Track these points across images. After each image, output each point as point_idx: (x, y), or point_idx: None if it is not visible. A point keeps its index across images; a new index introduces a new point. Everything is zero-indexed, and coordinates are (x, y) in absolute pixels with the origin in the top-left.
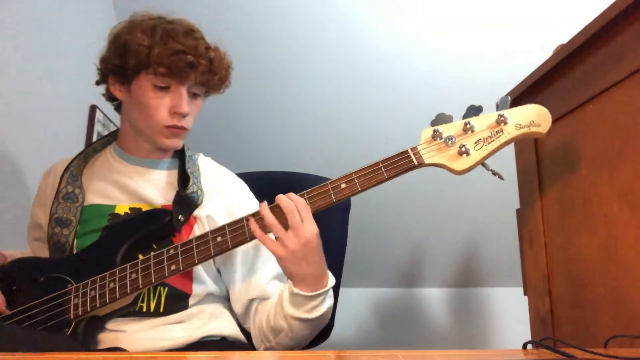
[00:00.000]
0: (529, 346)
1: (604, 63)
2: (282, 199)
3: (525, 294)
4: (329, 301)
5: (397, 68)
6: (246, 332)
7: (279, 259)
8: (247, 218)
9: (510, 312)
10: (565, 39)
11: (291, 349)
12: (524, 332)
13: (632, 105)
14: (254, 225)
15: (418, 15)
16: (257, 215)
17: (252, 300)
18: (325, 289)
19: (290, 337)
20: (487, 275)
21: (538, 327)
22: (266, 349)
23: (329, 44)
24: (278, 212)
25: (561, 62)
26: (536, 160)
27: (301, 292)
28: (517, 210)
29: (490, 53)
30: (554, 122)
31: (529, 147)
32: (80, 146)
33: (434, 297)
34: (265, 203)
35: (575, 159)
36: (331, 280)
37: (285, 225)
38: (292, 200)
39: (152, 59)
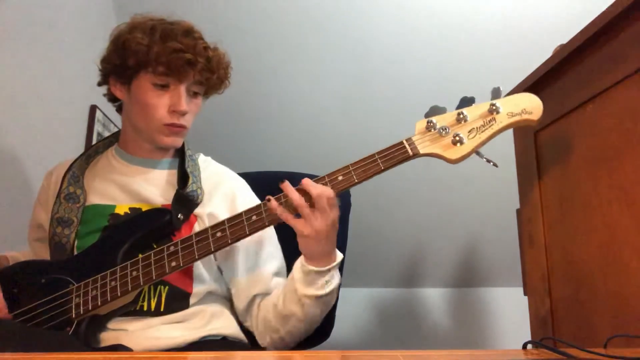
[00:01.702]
0: (529, 346)
1: (604, 63)
2: (310, 185)
3: (525, 294)
4: (338, 276)
5: (398, 67)
6: (246, 332)
7: (304, 237)
8: (268, 199)
9: (510, 312)
10: (565, 39)
11: (300, 337)
12: (524, 332)
13: (632, 105)
14: (275, 204)
15: (418, 13)
16: (277, 197)
17: (255, 297)
18: (337, 262)
19: (303, 320)
20: (487, 275)
21: (538, 327)
22: (273, 342)
23: (330, 43)
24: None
25: (561, 62)
26: (536, 160)
27: (315, 268)
28: (517, 210)
29: (492, 50)
30: (554, 121)
31: (529, 147)
32: (80, 146)
33: (434, 297)
34: (287, 182)
35: (575, 159)
36: (339, 255)
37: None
38: (316, 187)
39: (151, 58)
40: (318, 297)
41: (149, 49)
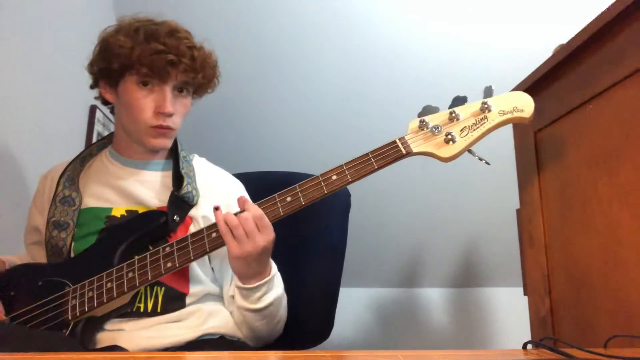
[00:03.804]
0: (529, 346)
1: (604, 63)
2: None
3: (525, 294)
4: (276, 290)
5: (398, 67)
6: None
7: (233, 257)
8: (215, 207)
9: (510, 312)
10: (565, 39)
11: (256, 341)
12: (524, 332)
13: (632, 105)
14: (220, 215)
15: (419, 13)
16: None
17: (231, 297)
18: (267, 278)
19: (249, 328)
20: (487, 275)
21: (538, 327)
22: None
23: (329, 43)
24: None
25: (561, 62)
26: (536, 160)
27: (245, 286)
28: (517, 210)
29: (491, 52)
30: (554, 121)
31: (529, 147)
32: (80, 146)
33: (434, 297)
34: (219, 209)
35: (575, 159)
36: (273, 269)
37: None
38: (249, 209)
39: (134, 60)
40: (255, 310)
41: (132, 51)
